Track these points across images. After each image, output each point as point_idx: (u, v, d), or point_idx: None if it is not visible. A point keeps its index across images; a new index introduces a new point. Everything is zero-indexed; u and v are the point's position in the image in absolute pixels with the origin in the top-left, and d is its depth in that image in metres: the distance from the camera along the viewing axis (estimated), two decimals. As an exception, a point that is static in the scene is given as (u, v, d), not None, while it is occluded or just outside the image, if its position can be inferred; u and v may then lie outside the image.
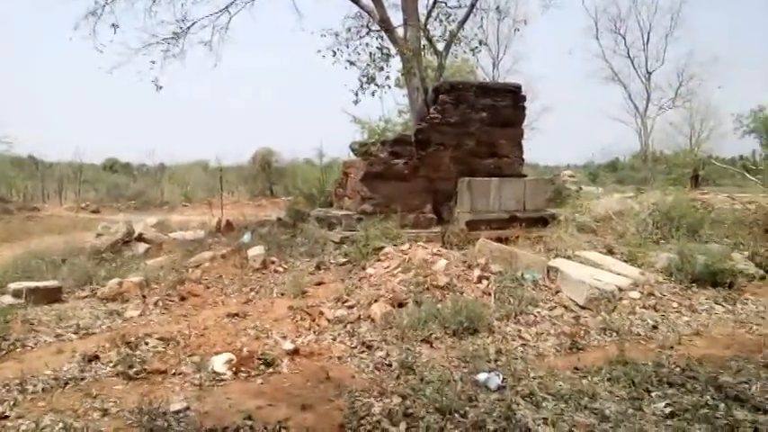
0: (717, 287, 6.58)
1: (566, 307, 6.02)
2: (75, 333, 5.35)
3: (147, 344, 4.90)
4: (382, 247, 7.62)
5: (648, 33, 42.73)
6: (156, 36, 11.63)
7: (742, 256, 7.51)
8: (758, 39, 62.19)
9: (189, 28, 11.80)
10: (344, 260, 7.79)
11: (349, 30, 12.26)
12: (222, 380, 4.20)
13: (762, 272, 7.15)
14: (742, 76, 55.51)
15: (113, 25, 11.05)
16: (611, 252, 7.86)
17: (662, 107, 42.49)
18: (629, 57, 43.06)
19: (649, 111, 42.31)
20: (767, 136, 31.94)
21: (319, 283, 6.99)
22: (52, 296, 6.50)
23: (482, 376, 4.11)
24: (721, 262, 6.80)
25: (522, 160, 10.71)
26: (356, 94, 12.02)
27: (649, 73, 43.00)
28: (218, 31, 12.18)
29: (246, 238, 9.20)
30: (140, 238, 9.51)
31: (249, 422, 3.45)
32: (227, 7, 11.97)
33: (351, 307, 5.90)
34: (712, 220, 9.33)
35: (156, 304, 6.29)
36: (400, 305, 5.73)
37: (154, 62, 11.46)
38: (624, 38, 43.24)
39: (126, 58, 11.39)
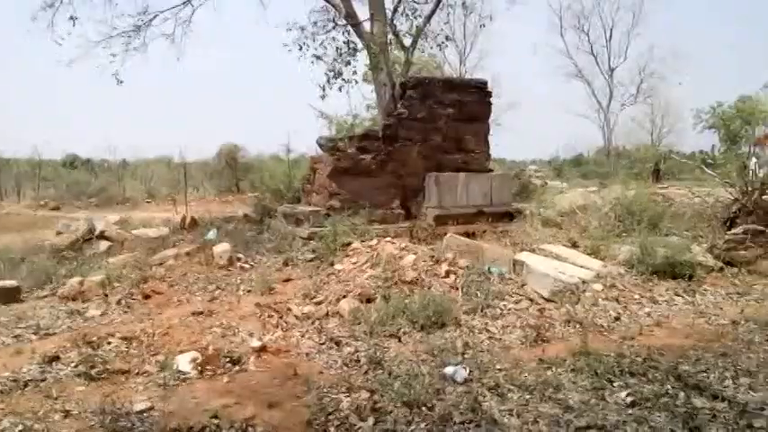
0: (677, 279, 6.76)
1: (531, 300, 6.11)
2: (35, 333, 5.20)
3: (109, 343, 4.79)
4: (350, 243, 7.61)
5: (611, 30, 43.85)
6: (117, 29, 11.38)
7: (701, 248, 7.72)
8: (717, 35, 64.14)
9: (150, 21, 11.56)
10: (312, 256, 7.75)
11: (315, 24, 12.17)
12: (187, 379, 4.14)
13: (720, 264, 7.36)
14: (702, 73, 57.15)
15: (72, 17, 10.75)
16: (574, 245, 8.01)
17: (624, 103, 43.65)
18: (593, 53, 44.09)
19: (612, 107, 43.45)
20: (725, 131, 32.95)
21: (287, 280, 6.94)
22: (10, 296, 6.33)
23: (449, 369, 4.14)
24: (681, 254, 6.97)
25: (489, 155, 10.82)
26: (323, 89, 11.97)
27: (612, 69, 44.07)
28: (180, 25, 11.97)
29: (212, 234, 9.05)
30: (102, 236, 9.26)
31: (215, 421, 3.41)
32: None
33: (319, 303, 5.87)
34: (672, 214, 9.59)
35: (118, 303, 6.15)
36: (368, 301, 5.74)
37: (114, 55, 11.22)
38: (588, 35, 44.26)
39: (85, 51, 11.14)
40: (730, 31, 64.23)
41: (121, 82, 11.25)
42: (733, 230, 7.88)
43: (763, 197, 8.96)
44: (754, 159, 10.28)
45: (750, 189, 9.08)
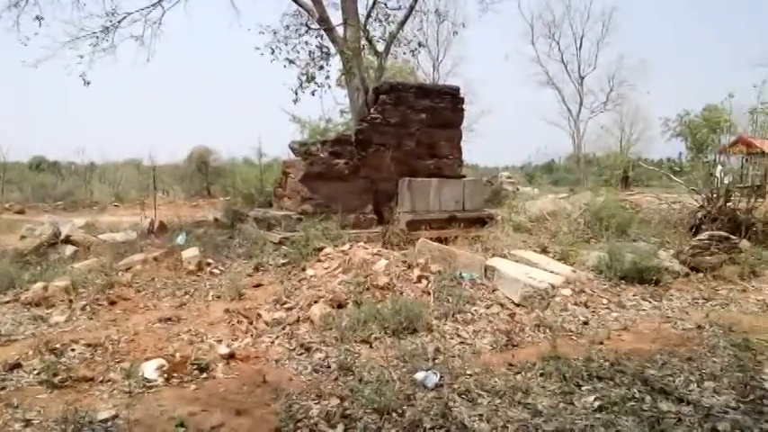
0: (644, 284, 6.89)
1: (502, 305, 6.14)
2: (-5, 340, 5.04)
3: (73, 350, 4.68)
4: (322, 248, 7.55)
5: (581, 39, 44.72)
6: (85, 29, 11.14)
7: (668, 253, 7.89)
8: (685, 45, 65.79)
9: (119, 22, 11.35)
10: (284, 261, 7.67)
11: (288, 27, 12.12)
12: (153, 386, 4.05)
13: (686, 269, 7.53)
14: (669, 81, 58.59)
15: (38, 17, 10.49)
16: (544, 251, 8.10)
17: (594, 111, 44.50)
18: (563, 62, 44.92)
19: (582, 114, 44.26)
20: (692, 139, 33.71)
21: (257, 285, 6.86)
22: (-30, 302, 6.11)
23: (420, 375, 4.14)
24: (648, 260, 7.12)
25: (462, 161, 10.90)
26: (296, 93, 11.90)
27: (582, 78, 44.93)
28: (150, 26, 11.78)
29: (181, 239, 8.91)
30: (67, 240, 9.03)
31: (182, 429, 3.35)
32: (159, 1, 11.59)
33: (290, 309, 5.81)
34: (640, 220, 9.79)
35: (83, 309, 5.99)
36: (340, 306, 5.69)
37: (82, 56, 10.97)
38: (558, 43, 45.10)
39: (52, 51, 10.87)
40: (697, 41, 65.99)
41: (88, 83, 10.99)
42: (698, 237, 8.07)
43: (728, 204, 9.21)
44: (719, 167, 10.54)
45: (715, 196, 9.33)
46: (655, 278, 6.94)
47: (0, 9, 10.62)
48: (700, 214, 9.40)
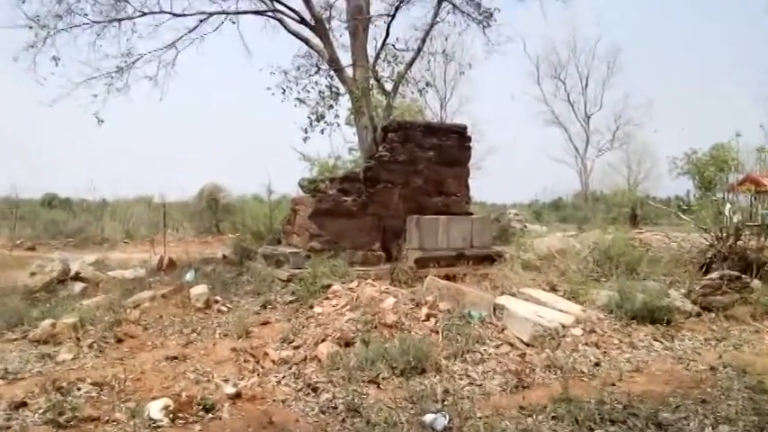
0: (655, 324, 6.79)
1: (511, 344, 6.07)
2: (3, 378, 5.01)
3: (79, 389, 4.65)
4: (330, 285, 7.53)
5: (587, 79, 45.19)
6: (100, 70, 11.42)
7: (678, 293, 7.79)
8: (690, 85, 66.30)
9: (134, 62, 11.64)
10: (292, 299, 7.66)
11: (298, 68, 12.41)
12: (158, 427, 4.00)
13: (697, 309, 7.43)
14: (675, 120, 58.81)
15: (54, 58, 10.81)
16: (554, 289, 8.03)
17: (601, 149, 44.64)
18: (569, 101, 45.27)
19: (589, 152, 44.39)
20: (700, 178, 33.68)
21: (265, 323, 6.83)
22: (-21, 339, 6.12)
23: (429, 417, 4.07)
24: (659, 299, 7.03)
25: (469, 198, 10.95)
26: (305, 132, 12.10)
27: (588, 117, 45.22)
28: (164, 66, 12.07)
29: (189, 276, 8.93)
30: (77, 277, 9.08)
31: (186, 472, 3.29)
32: (173, 43, 11.90)
33: (297, 347, 5.77)
34: (650, 259, 9.69)
35: (90, 347, 5.97)
36: (347, 344, 5.65)
37: (96, 96, 11.22)
38: (564, 83, 45.52)
39: (67, 91, 11.11)
40: (702, 80, 66.52)
41: (102, 122, 11.24)
42: (709, 276, 7.98)
43: (738, 243, 9.13)
44: (728, 205, 10.49)
45: (725, 235, 9.25)
46: (666, 318, 6.83)
47: (18, 50, 10.92)
48: (710, 253, 9.31)
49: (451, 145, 10.34)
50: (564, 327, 6.38)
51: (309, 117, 12.05)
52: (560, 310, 6.94)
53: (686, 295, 7.73)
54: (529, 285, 8.16)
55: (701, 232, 9.98)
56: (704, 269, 8.94)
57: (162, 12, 11.68)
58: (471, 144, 10.77)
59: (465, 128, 10.75)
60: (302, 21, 12.14)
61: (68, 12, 11.00)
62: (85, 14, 11.14)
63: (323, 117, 12.12)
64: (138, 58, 11.70)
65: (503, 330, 6.43)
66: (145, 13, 11.56)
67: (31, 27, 10.79)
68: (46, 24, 10.83)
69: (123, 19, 11.46)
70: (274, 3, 12.36)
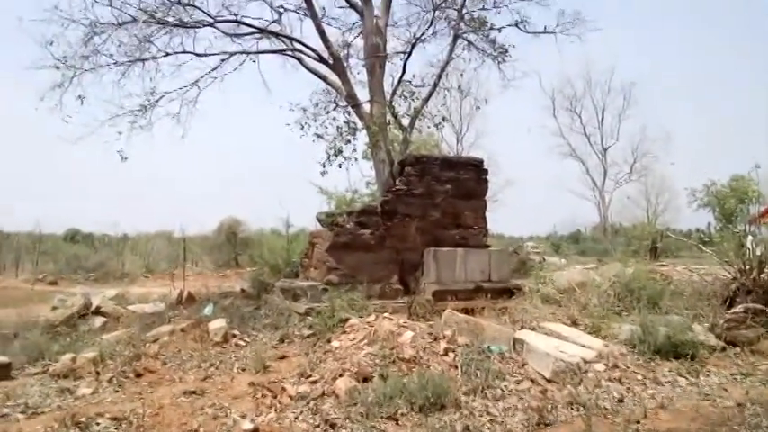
0: (679, 359, 6.63)
1: (532, 380, 5.96)
2: (23, 413, 5.05)
3: (98, 424, 4.67)
4: (348, 319, 7.51)
5: (603, 112, 45.45)
6: (124, 108, 11.72)
7: (702, 327, 7.62)
8: (707, 116, 66.12)
9: (157, 101, 11.95)
10: (309, 332, 7.64)
11: (317, 105, 12.68)
12: (176, 463, 3.98)
13: (722, 343, 7.25)
14: (693, 152, 58.53)
15: (80, 97, 11.12)
16: (574, 323, 7.91)
17: (618, 181, 44.49)
18: (586, 134, 45.47)
19: (607, 185, 44.29)
20: (720, 210, 33.33)
21: (282, 357, 6.80)
22: (1, 373, 6.18)
23: (449, 455, 3.99)
24: (682, 333, 6.87)
25: (487, 231, 10.91)
26: (323, 166, 12.26)
27: (605, 149, 45.23)
28: (186, 104, 12.37)
29: (208, 310, 8.97)
30: (97, 312, 9.18)
31: None
32: (196, 82, 12.21)
33: (314, 382, 5.73)
34: (672, 292, 9.53)
35: (110, 381, 6.00)
36: (365, 379, 5.60)
37: (120, 133, 11.50)
38: (580, 116, 45.80)
39: (91, 129, 11.39)
40: (719, 111, 66.38)
41: (126, 159, 11.50)
42: (733, 309, 7.81)
43: (762, 275, 8.95)
44: (750, 238, 10.34)
45: (748, 268, 9.08)
46: (690, 353, 6.67)
47: (44, 90, 11.26)
48: (733, 286, 9.12)
49: (468, 178, 10.38)
50: (586, 362, 6.26)
51: (327, 152, 12.24)
52: (582, 345, 6.82)
53: (710, 329, 7.55)
54: (549, 319, 8.06)
55: (724, 265, 9.81)
56: (727, 302, 8.75)
57: (185, 52, 12.05)
58: (488, 177, 10.80)
59: (482, 161, 10.80)
60: (321, 59, 12.44)
61: (94, 52, 11.36)
62: (111, 55, 11.49)
63: (341, 152, 12.29)
64: (162, 97, 12.03)
65: (523, 365, 6.33)
66: (168, 54, 11.91)
67: (58, 68, 11.15)
68: (72, 65, 11.18)
69: (147, 59, 11.80)
70: (294, 42, 12.70)
